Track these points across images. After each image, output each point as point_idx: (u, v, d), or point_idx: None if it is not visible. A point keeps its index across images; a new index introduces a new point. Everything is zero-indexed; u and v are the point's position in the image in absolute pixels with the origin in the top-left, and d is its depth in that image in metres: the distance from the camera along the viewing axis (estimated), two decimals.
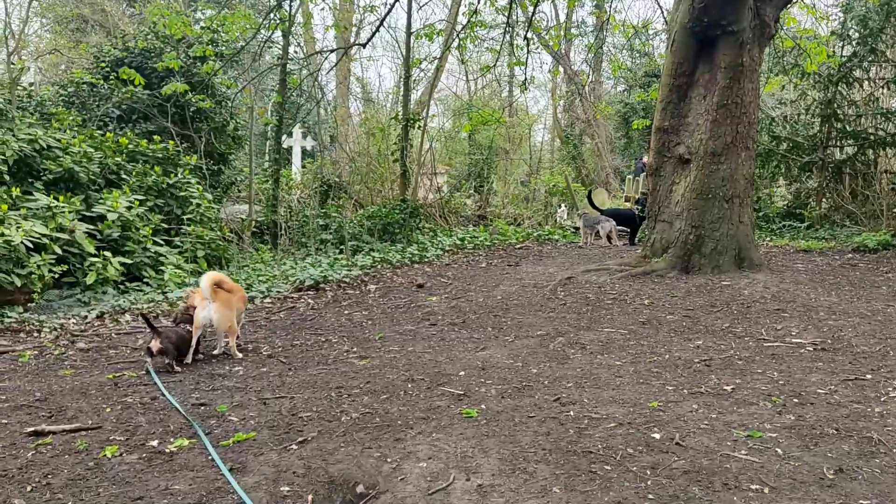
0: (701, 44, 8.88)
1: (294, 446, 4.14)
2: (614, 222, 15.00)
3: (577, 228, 16.60)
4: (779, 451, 3.89)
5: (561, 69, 29.45)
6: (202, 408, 4.83)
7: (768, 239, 13.95)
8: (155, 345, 5.75)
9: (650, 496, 3.42)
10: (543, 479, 3.64)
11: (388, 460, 3.92)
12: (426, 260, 11.71)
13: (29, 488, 3.65)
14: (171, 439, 4.25)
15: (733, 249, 8.93)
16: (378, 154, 17.25)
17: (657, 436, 4.14)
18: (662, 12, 12.24)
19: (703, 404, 4.68)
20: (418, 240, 13.61)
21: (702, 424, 4.31)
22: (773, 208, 16.27)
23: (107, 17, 24.72)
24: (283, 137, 16.56)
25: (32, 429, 4.39)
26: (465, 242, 13.59)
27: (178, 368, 5.79)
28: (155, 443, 4.22)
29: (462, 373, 5.51)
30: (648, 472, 3.68)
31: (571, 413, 4.54)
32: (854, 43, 14.64)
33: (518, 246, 14.06)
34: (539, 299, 8.29)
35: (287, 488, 3.65)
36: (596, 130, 29.84)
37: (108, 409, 4.82)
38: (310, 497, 3.60)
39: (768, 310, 7.41)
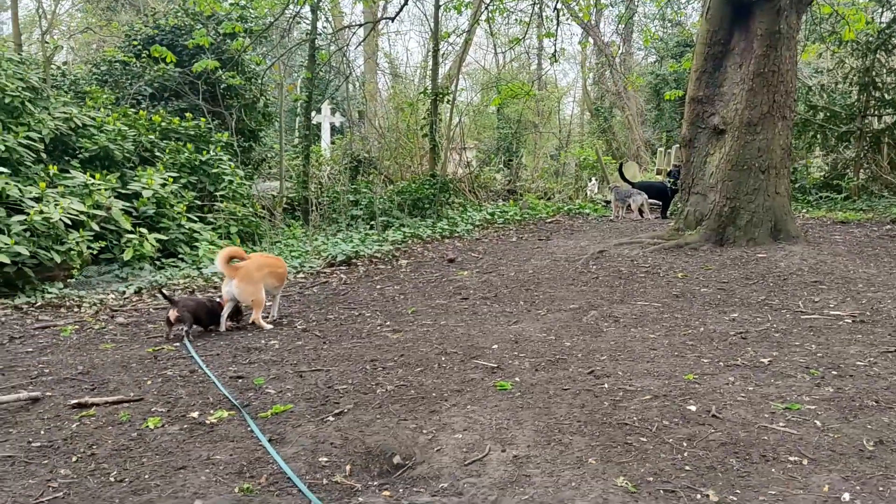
0: (737, 11, 8.68)
1: (331, 418, 4.19)
2: (646, 195, 14.84)
3: (607, 202, 16.45)
4: (817, 423, 3.85)
5: (591, 40, 29.07)
6: (240, 380, 4.91)
7: (805, 210, 13.70)
8: (172, 314, 5.93)
9: (687, 468, 3.42)
10: (579, 450, 3.66)
11: (424, 432, 3.96)
12: (456, 235, 11.72)
13: (74, 458, 3.75)
14: (211, 411, 4.34)
15: (769, 221, 8.79)
16: (407, 129, 17.21)
17: (693, 408, 4.12)
18: None
19: (739, 377, 4.64)
20: (448, 215, 13.61)
21: (738, 397, 4.28)
22: (809, 179, 15.97)
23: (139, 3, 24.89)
24: (313, 114, 16.61)
25: (76, 401, 4.50)
26: (496, 217, 13.56)
27: (189, 338, 5.96)
28: (195, 414, 4.30)
29: (495, 346, 5.52)
30: (685, 444, 3.67)
31: (606, 385, 4.54)
32: (894, 9, 14.22)
33: (548, 220, 13.99)
34: (571, 273, 8.26)
35: (325, 459, 3.70)
36: (626, 103, 29.44)
37: (149, 382, 4.93)
38: (347, 467, 3.65)
39: (805, 282, 7.30)
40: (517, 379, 4.73)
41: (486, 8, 14.43)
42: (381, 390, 4.62)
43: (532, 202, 16.05)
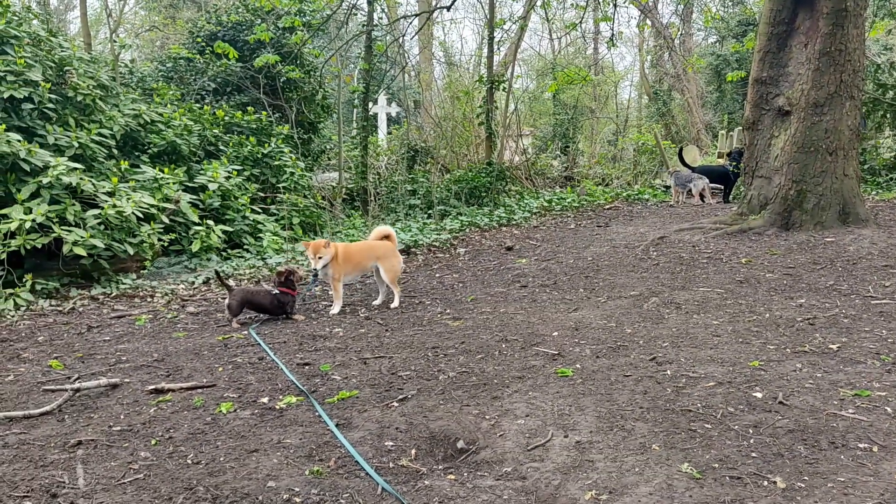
0: None
1: (395, 403, 4.29)
2: (707, 180, 14.55)
3: (667, 187, 16.18)
4: (888, 409, 3.78)
5: (649, 23, 28.53)
6: (306, 367, 5.06)
7: (874, 193, 13.24)
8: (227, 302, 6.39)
9: (753, 454, 3.40)
10: (642, 436, 3.67)
11: (487, 417, 4.02)
12: (514, 223, 11.72)
13: (153, 441, 3.93)
14: (280, 397, 4.48)
15: (837, 204, 8.55)
16: (463, 118, 17.25)
17: (759, 395, 4.08)
18: None
19: (807, 363, 4.56)
20: (505, 203, 13.61)
21: (806, 383, 4.21)
22: (879, 160, 15.40)
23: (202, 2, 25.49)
24: (370, 105, 16.78)
25: (153, 387, 4.71)
26: (553, 204, 13.50)
27: (234, 325, 6.36)
28: (265, 399, 4.46)
29: (555, 333, 5.55)
30: (751, 431, 3.65)
31: (668, 372, 4.53)
32: None
33: (607, 206, 13.86)
34: (631, 260, 8.20)
35: (391, 443, 3.80)
36: (686, 85, 28.82)
37: (220, 369, 5.11)
38: (413, 451, 3.74)
39: (875, 266, 7.09)
40: (578, 366, 4.75)
41: None
42: (444, 377, 4.70)
43: (590, 188, 15.92)
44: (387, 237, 7.07)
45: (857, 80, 8.49)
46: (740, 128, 20.19)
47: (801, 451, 3.37)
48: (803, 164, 8.57)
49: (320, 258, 6.50)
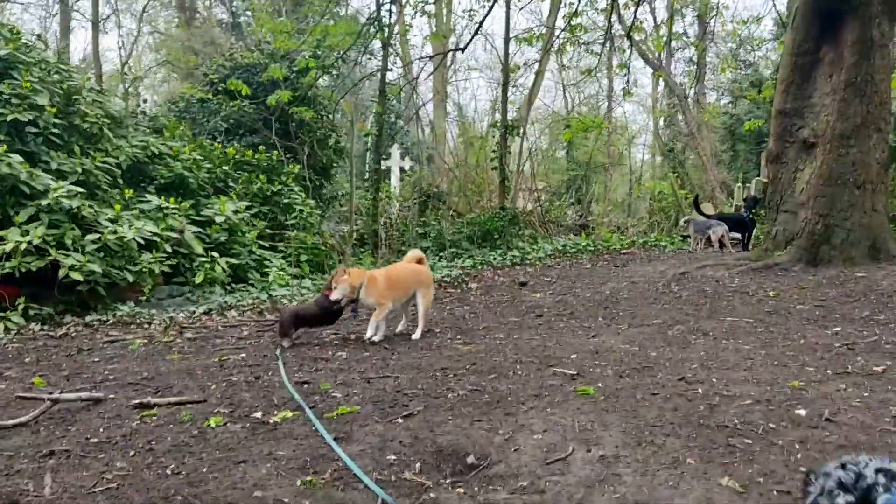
0: (825, 19, 8.25)
1: (400, 419, 3.91)
2: (726, 227, 14.20)
3: (685, 237, 15.83)
4: None
5: (661, 81, 28.63)
6: (305, 385, 4.69)
7: None
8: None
9: (802, 468, 2.99)
10: (674, 451, 3.27)
11: (500, 432, 3.63)
12: (528, 262, 11.39)
13: (132, 453, 3.56)
14: (275, 412, 4.11)
15: (867, 240, 8.17)
16: (476, 164, 17.11)
17: (802, 412, 3.68)
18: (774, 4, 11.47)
19: (851, 384, 4.16)
20: (518, 245, 13.30)
21: (853, 402, 3.81)
22: None
23: (216, 48, 25.85)
24: (382, 159, 16.69)
25: (138, 401, 4.35)
26: (567, 248, 13.18)
27: (285, 343, 5.87)
28: (258, 414, 4.09)
29: (574, 356, 5.16)
30: (797, 446, 3.25)
31: (700, 391, 4.13)
32: None
33: (623, 252, 13.51)
34: (652, 293, 7.82)
35: (393, 457, 3.42)
36: (700, 143, 28.70)
37: (213, 386, 4.75)
38: (417, 465, 3.35)
39: None
40: (600, 385, 4.36)
41: (557, 37, 14.29)
42: (453, 395, 4.32)
43: (605, 236, 15.60)
44: (419, 261, 6.61)
45: (883, 112, 8.23)
46: (756, 178, 19.96)
47: None
48: (830, 197, 8.25)
49: (335, 288, 5.92)
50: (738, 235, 14.34)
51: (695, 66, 22.20)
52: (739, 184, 24.00)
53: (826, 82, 8.33)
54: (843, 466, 1.91)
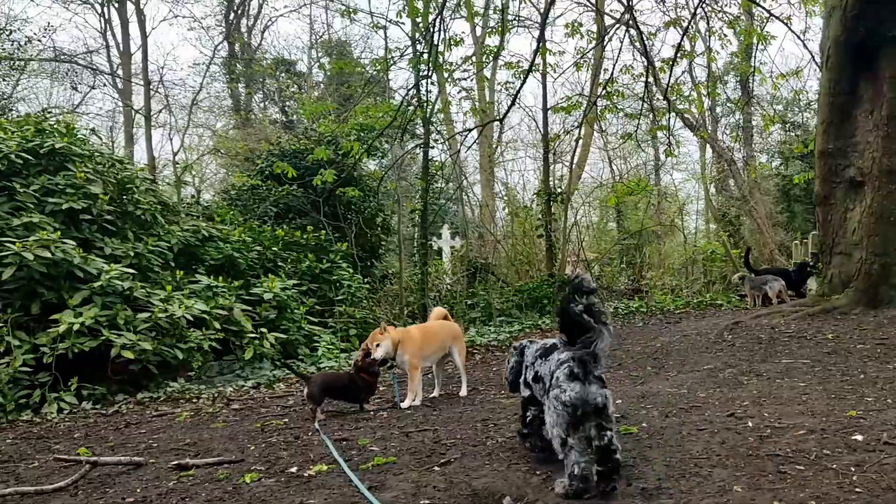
0: (859, 56, 8.14)
1: (436, 468, 3.80)
2: (783, 281, 13.78)
3: (742, 296, 15.39)
4: None
5: (708, 147, 28.46)
6: (344, 442, 4.62)
7: None
8: (306, 392, 5.66)
9: (857, 490, 2.80)
10: (720, 480, 3.09)
11: (538, 473, 3.50)
12: None
13: None
14: (310, 466, 4.04)
15: None
16: (523, 234, 17.10)
17: (859, 438, 3.46)
18: (812, 57, 11.44)
19: None
20: None
21: None
22: None
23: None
24: (433, 239, 16.85)
25: (176, 462, 4.33)
26: (619, 310, 12.93)
27: (320, 416, 5.53)
28: (294, 469, 4.03)
29: (619, 401, 4.98)
30: (853, 469, 3.04)
31: (750, 424, 3.92)
32: None
33: (677, 312, 13.18)
34: (703, 343, 7.56)
35: (426, 501, 3.31)
36: (753, 207, 28.23)
37: (252, 447, 4.72)
38: None
39: None
40: (644, 424, 4.19)
41: (595, 106, 14.43)
42: (492, 442, 4.20)
43: (658, 298, 15.27)
44: (445, 318, 6.56)
45: None
46: (813, 233, 19.42)
47: None
48: (884, 235, 7.94)
49: (378, 346, 5.86)
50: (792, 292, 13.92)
51: (740, 129, 22.05)
52: (797, 241, 23.40)
53: (867, 119, 8.15)
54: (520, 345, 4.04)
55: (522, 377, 3.81)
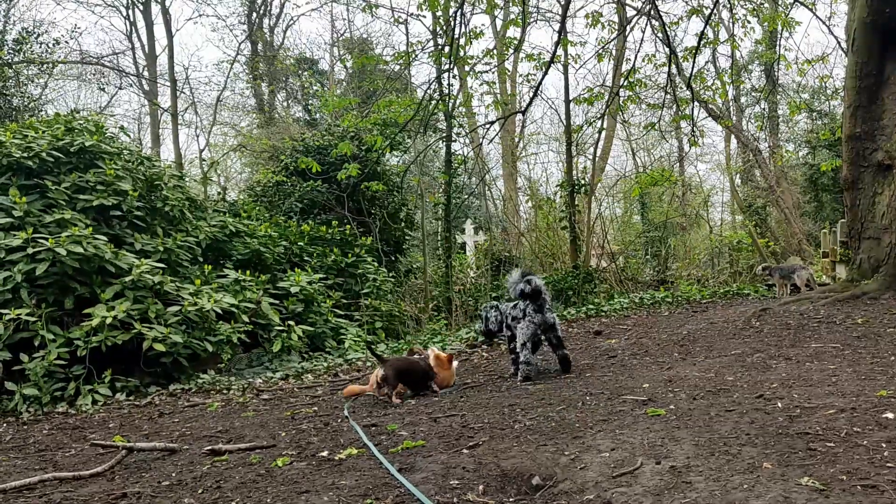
0: (886, 37, 8.02)
1: (465, 450, 3.84)
2: (811, 270, 13.64)
3: (770, 286, 15.23)
4: None
5: (734, 138, 28.16)
6: (372, 428, 4.67)
7: None
8: (379, 373, 5.64)
9: (889, 464, 2.80)
10: (750, 458, 3.09)
11: (566, 453, 3.52)
12: (603, 314, 11.16)
13: (200, 491, 3.62)
14: (340, 451, 4.10)
15: None
16: (546, 227, 17.07)
17: (890, 415, 3.45)
18: (838, 43, 11.30)
19: None
20: (594, 301, 13.06)
21: None
22: None
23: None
24: (457, 234, 16.86)
25: (210, 448, 4.42)
26: (644, 301, 12.85)
27: (395, 401, 5.53)
28: (325, 453, 4.09)
29: (646, 385, 4.99)
30: (884, 445, 3.03)
31: (779, 405, 3.91)
32: None
33: (703, 301, 13.09)
34: (731, 330, 7.51)
35: (456, 482, 3.35)
36: (781, 196, 27.86)
37: (283, 434, 4.80)
38: (481, 487, 3.27)
39: None
40: (672, 406, 4.19)
41: (617, 96, 14.33)
42: (519, 425, 4.23)
43: (684, 288, 15.16)
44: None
45: None
46: (842, 221, 19.16)
47: None
48: None
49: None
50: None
51: (765, 118, 21.79)
52: (825, 230, 23.09)
53: (894, 102, 8.04)
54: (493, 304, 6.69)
55: (505, 322, 6.31)
